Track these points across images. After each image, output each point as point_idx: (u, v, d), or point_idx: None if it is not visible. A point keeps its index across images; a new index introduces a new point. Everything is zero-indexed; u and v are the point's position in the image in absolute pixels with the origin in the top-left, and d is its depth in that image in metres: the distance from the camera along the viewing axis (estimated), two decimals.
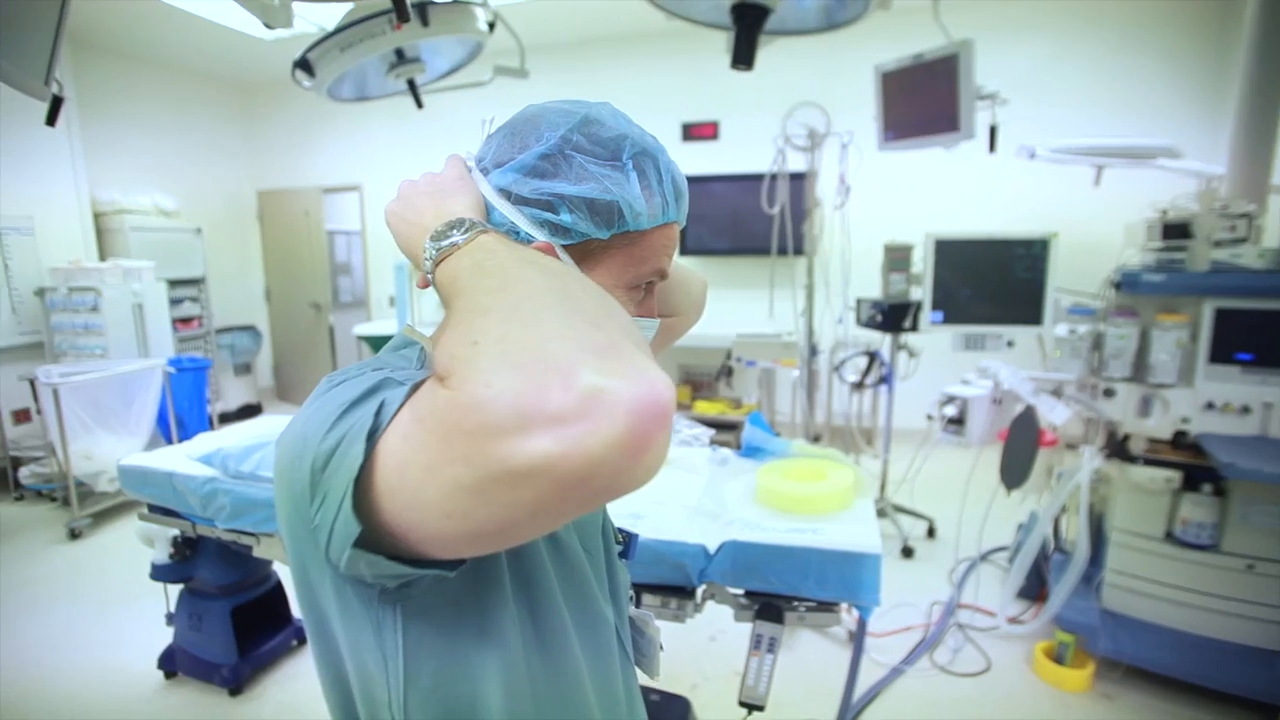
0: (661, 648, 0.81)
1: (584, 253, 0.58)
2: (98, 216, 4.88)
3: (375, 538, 0.42)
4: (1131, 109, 4.23)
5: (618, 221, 0.57)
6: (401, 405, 0.43)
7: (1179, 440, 2.20)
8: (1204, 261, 2.18)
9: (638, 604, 1.56)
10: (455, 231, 0.51)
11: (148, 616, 2.58)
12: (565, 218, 0.56)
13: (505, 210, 0.58)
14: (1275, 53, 2.34)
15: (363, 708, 0.54)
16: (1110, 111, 4.26)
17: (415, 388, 0.44)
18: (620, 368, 0.35)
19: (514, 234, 0.57)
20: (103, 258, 4.81)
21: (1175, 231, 2.25)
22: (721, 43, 1.84)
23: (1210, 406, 2.13)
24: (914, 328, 3.28)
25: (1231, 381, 2.12)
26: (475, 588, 0.54)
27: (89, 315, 4.13)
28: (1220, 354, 2.13)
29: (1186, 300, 2.19)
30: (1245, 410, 2.09)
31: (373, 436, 0.42)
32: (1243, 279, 2.10)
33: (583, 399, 0.34)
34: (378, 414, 0.43)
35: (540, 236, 0.57)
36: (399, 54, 2.17)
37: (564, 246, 0.58)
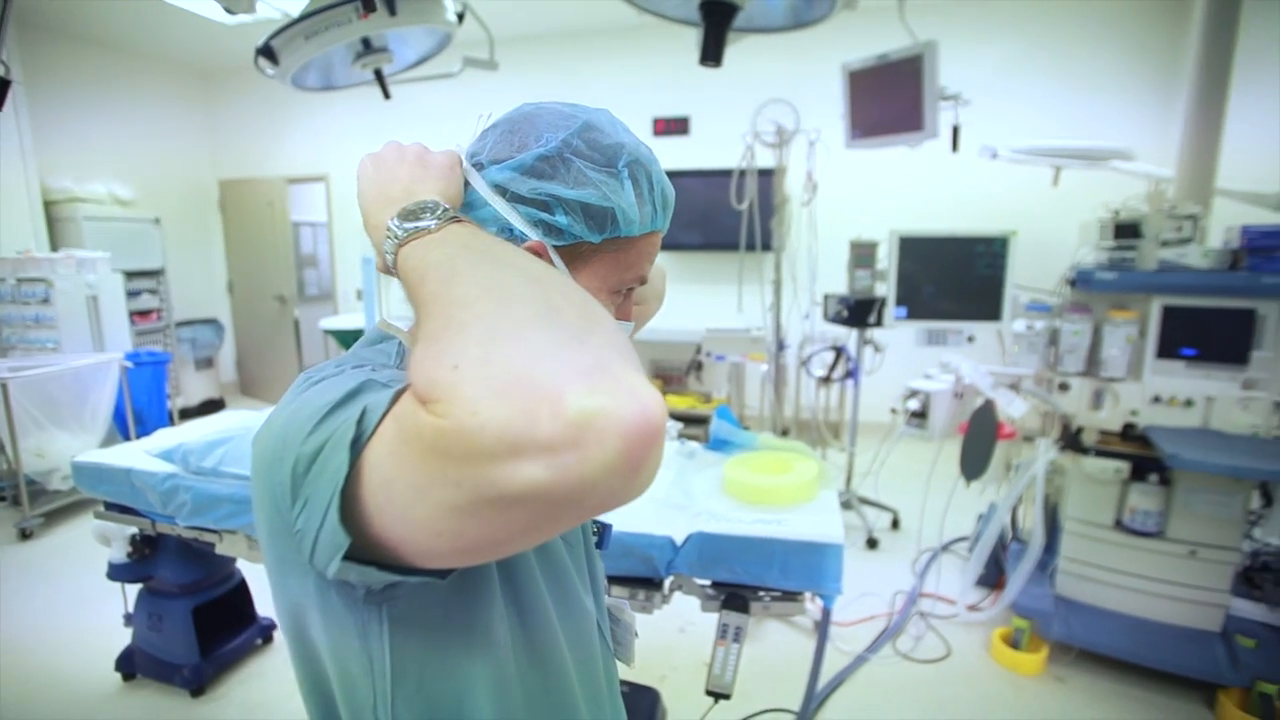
0: (636, 635, 0.83)
1: (574, 254, 0.59)
2: (49, 205, 4.70)
3: (362, 546, 0.42)
4: (1088, 112, 4.36)
5: (610, 226, 0.58)
6: (384, 414, 0.42)
7: (1128, 432, 2.29)
8: (1152, 260, 2.27)
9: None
10: (427, 215, 0.49)
11: (104, 618, 2.52)
12: (561, 219, 0.57)
13: (499, 206, 0.57)
14: (1220, 65, 2.44)
15: (345, 710, 0.53)
16: (1068, 114, 4.39)
17: (398, 395, 0.43)
18: (609, 388, 0.35)
19: (507, 231, 0.57)
20: (54, 248, 4.64)
21: (1126, 231, 2.34)
22: (693, 38, 1.85)
23: (1157, 400, 2.22)
24: (879, 323, 3.35)
25: (1177, 376, 2.22)
26: (462, 587, 0.54)
27: (40, 307, 3.98)
28: (1167, 349, 2.22)
29: (1136, 297, 2.28)
30: (1189, 404, 2.18)
31: (356, 445, 0.41)
32: (1188, 278, 2.19)
33: (573, 426, 0.33)
34: (360, 421, 0.42)
35: (534, 235, 0.57)
36: (366, 43, 2.14)
37: (555, 247, 0.58)
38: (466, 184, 0.59)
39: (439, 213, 0.50)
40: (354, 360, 0.57)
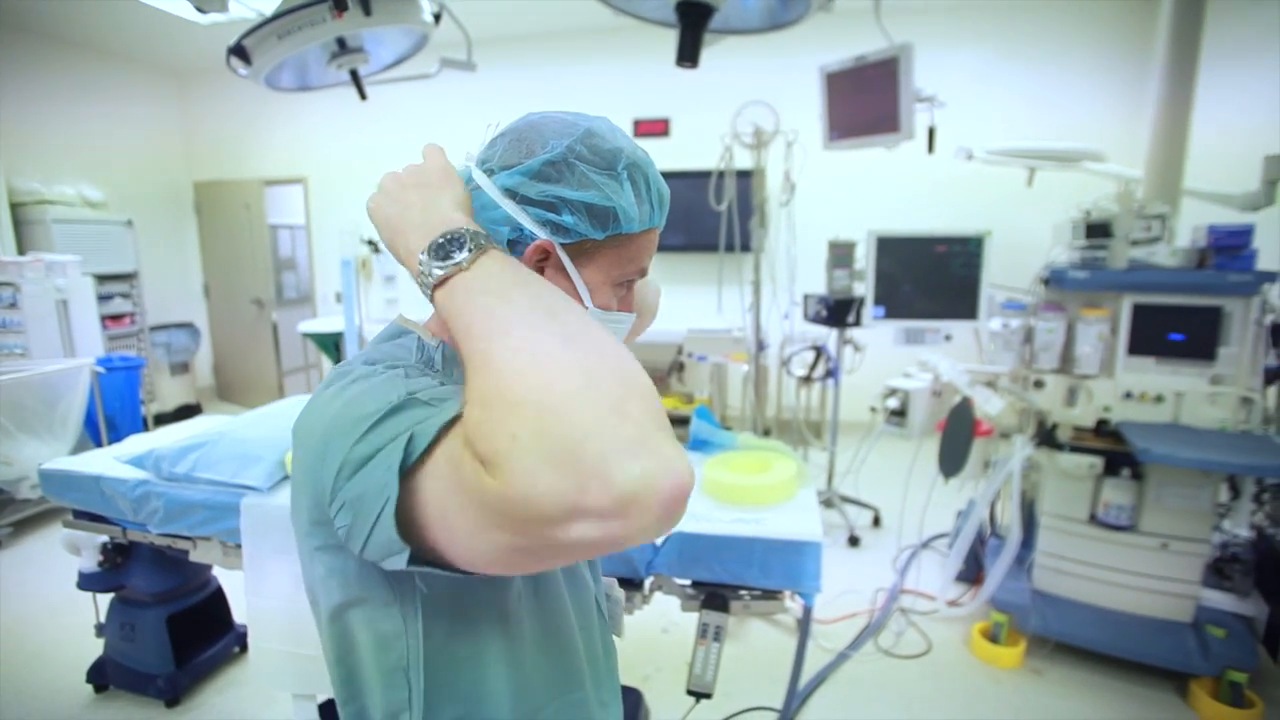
0: (626, 609, 0.87)
1: (579, 250, 0.64)
2: (15, 207, 4.59)
3: (412, 544, 0.48)
4: (1061, 114, 4.44)
5: (612, 224, 0.63)
6: (432, 442, 0.47)
7: (1101, 428, 2.33)
8: (1123, 259, 2.32)
9: None
10: (456, 249, 0.52)
11: (75, 629, 2.46)
12: (567, 219, 0.62)
13: (510, 209, 0.62)
14: (1185, 67, 2.50)
15: (376, 672, 0.60)
16: (1042, 116, 4.46)
17: (445, 428, 0.47)
18: (649, 462, 0.40)
19: (517, 230, 0.62)
20: (21, 251, 4.53)
21: (1097, 231, 2.38)
22: (671, 40, 1.86)
23: (1129, 396, 2.27)
24: (858, 323, 3.38)
25: (1147, 372, 2.26)
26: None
27: (6, 312, 3.88)
28: (1137, 346, 2.27)
29: (1108, 296, 2.32)
30: (1159, 399, 2.23)
31: (403, 467, 0.46)
32: (1157, 276, 2.24)
33: (620, 500, 0.39)
34: (408, 446, 0.47)
35: (542, 234, 0.62)
36: (341, 43, 2.12)
37: (562, 245, 0.63)
38: (478, 187, 0.63)
39: (466, 244, 0.52)
40: (386, 358, 0.61)
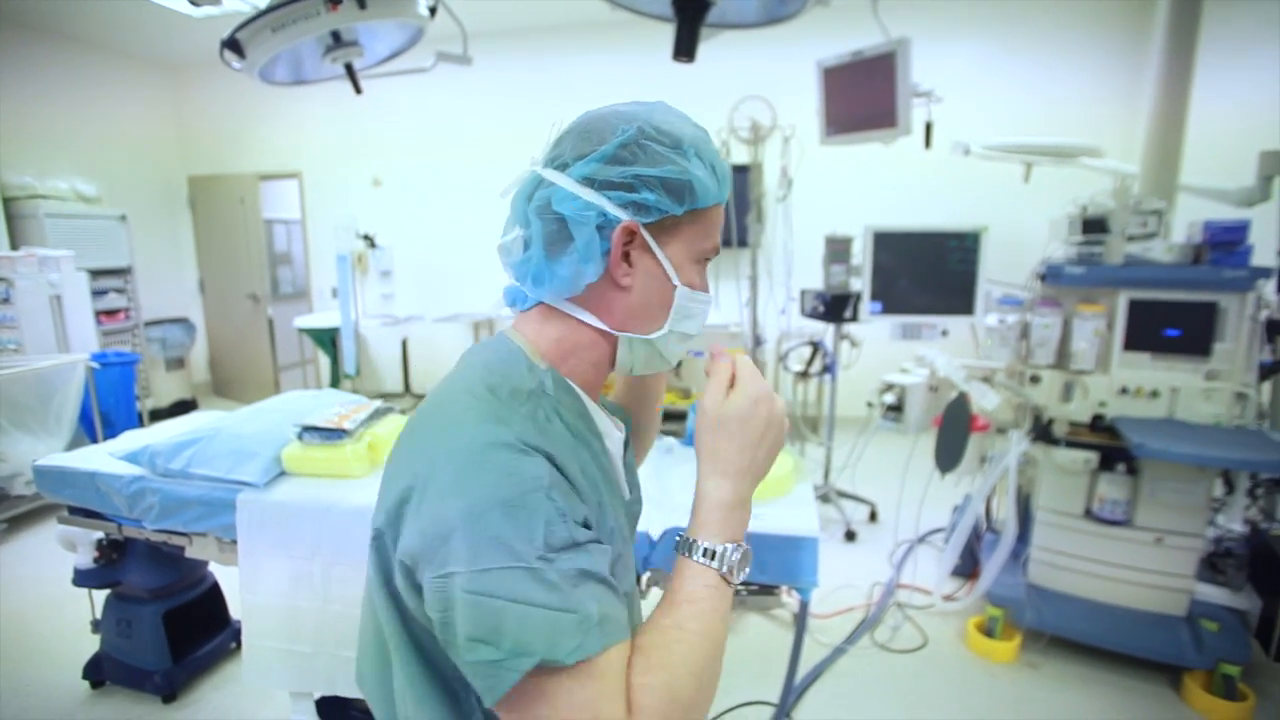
0: None
1: (661, 229, 0.66)
2: (8, 201, 4.56)
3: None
4: (1058, 109, 4.44)
5: (688, 198, 0.65)
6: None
7: (1097, 423, 2.34)
8: (1119, 255, 2.32)
9: None
10: (741, 569, 0.63)
11: (71, 625, 2.46)
12: (648, 196, 0.64)
13: (590, 196, 0.64)
14: (1182, 63, 2.50)
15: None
16: (1038, 111, 4.46)
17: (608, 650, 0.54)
18: None
19: (600, 215, 0.64)
20: (14, 246, 4.50)
21: (1093, 226, 2.38)
22: (667, 34, 1.85)
23: (1124, 391, 2.27)
24: (855, 318, 3.38)
25: (1143, 368, 2.27)
26: None
27: (0, 307, 3.87)
28: (1133, 342, 2.27)
29: (1104, 291, 2.33)
30: (1154, 394, 2.23)
31: (563, 654, 0.51)
32: (1153, 271, 2.24)
33: None
34: (580, 637, 0.52)
35: (625, 216, 0.64)
36: (336, 37, 2.10)
37: (645, 225, 0.65)
38: (550, 184, 0.65)
39: (739, 571, 0.63)
40: (503, 382, 0.64)
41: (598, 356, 0.70)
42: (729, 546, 0.62)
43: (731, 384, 0.67)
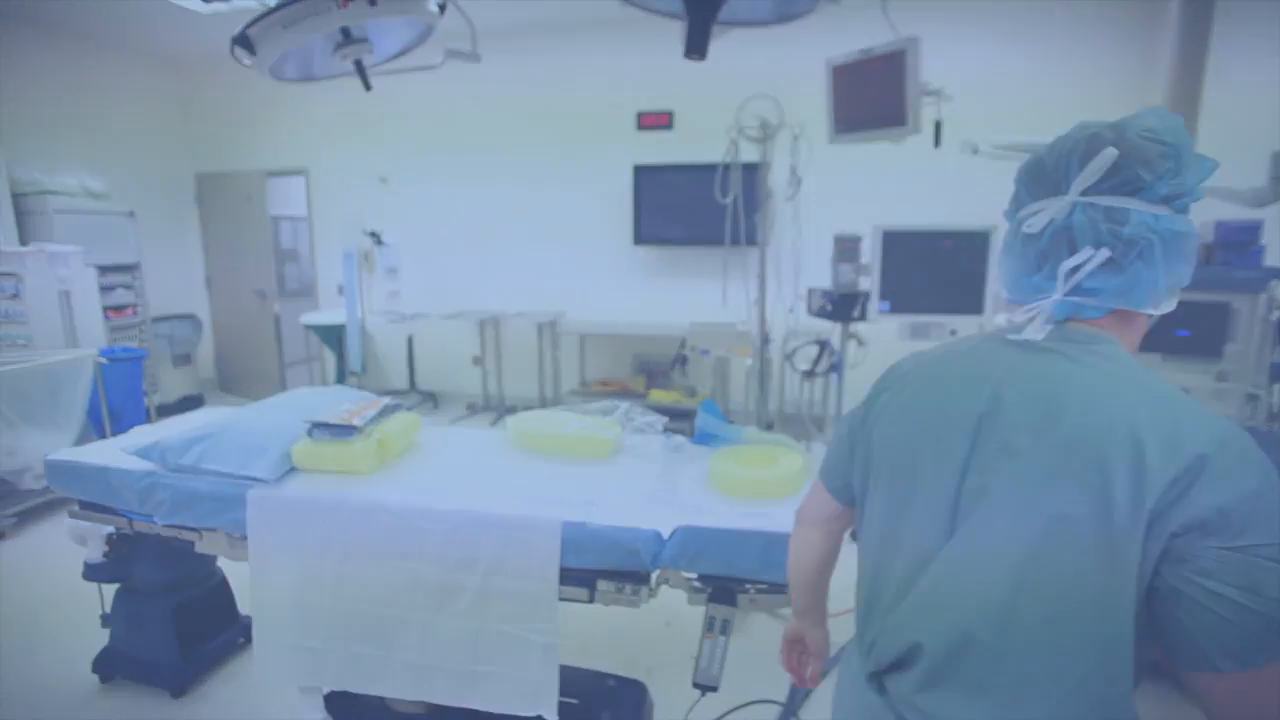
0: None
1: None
2: (17, 197, 4.58)
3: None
4: (1068, 109, 4.40)
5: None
6: None
7: None
8: None
9: (593, 590, 1.58)
10: None
11: (81, 619, 2.47)
12: (1199, 194, 0.76)
13: (1167, 213, 0.76)
14: (1194, 63, 2.48)
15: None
16: (1048, 110, 4.43)
17: None
18: None
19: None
20: (24, 241, 4.53)
21: None
22: (676, 32, 1.84)
23: None
24: (862, 317, 3.37)
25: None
26: None
27: (9, 303, 3.89)
28: (1144, 342, 2.24)
29: None
30: None
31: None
32: None
33: None
34: None
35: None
36: (345, 33, 2.11)
37: None
38: (1128, 213, 0.74)
39: None
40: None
41: None
42: None
43: None
